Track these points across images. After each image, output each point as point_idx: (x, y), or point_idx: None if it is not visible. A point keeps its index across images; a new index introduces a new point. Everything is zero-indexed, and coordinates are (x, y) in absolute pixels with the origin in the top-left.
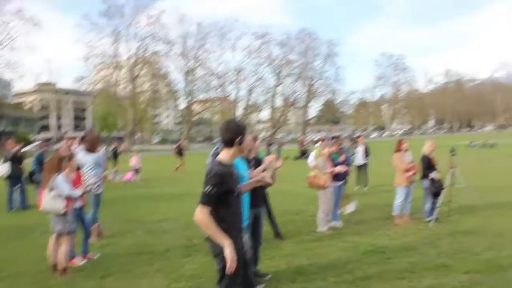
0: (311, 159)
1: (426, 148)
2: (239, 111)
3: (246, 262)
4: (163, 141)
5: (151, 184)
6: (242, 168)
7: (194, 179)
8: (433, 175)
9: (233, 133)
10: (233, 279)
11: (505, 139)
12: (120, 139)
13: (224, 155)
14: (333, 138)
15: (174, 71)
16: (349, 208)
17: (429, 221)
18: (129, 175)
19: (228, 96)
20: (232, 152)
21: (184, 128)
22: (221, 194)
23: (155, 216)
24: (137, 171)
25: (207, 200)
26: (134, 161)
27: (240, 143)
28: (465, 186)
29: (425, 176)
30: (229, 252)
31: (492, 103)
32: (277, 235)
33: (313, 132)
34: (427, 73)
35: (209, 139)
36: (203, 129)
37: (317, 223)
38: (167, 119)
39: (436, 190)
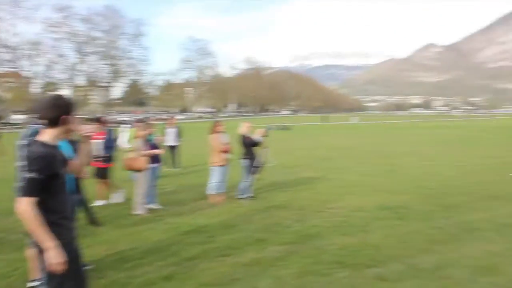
0: (124, 141)
1: (243, 129)
2: (36, 89)
3: (79, 254)
4: None
5: None
6: (66, 151)
7: None
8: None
9: (59, 111)
10: (63, 278)
11: (298, 122)
12: None
13: (47, 135)
14: (141, 120)
15: None
16: (116, 197)
17: (244, 198)
18: None
19: (22, 71)
20: (57, 132)
21: None
22: (47, 180)
23: None
24: None
25: (31, 188)
26: None
27: (66, 122)
28: (274, 164)
29: (245, 155)
30: (52, 256)
31: (286, 90)
32: (93, 221)
33: (117, 113)
34: (230, 59)
35: None
36: None
37: (134, 206)
38: None
39: (254, 168)
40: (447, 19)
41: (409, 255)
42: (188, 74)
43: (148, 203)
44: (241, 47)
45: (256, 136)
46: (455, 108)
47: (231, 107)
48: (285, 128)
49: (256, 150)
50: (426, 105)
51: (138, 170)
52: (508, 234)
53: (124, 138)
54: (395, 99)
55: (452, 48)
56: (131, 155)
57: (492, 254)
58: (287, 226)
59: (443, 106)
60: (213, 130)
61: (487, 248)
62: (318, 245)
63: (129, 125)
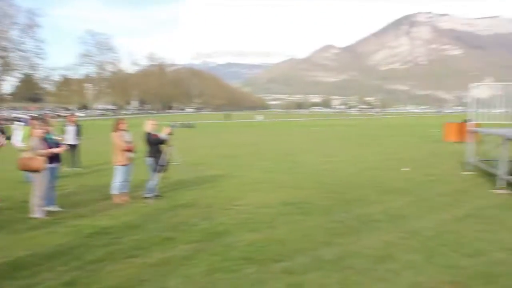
0: (18, 139)
1: (148, 127)
2: None
3: None
4: None
5: None
6: None
7: None
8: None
9: None
10: None
11: (202, 120)
12: None
13: None
14: (37, 117)
15: None
16: None
17: (149, 197)
18: None
19: None
20: None
21: None
22: None
23: None
24: None
25: None
26: None
27: None
28: (180, 163)
29: (150, 154)
30: None
31: (189, 88)
32: None
33: (8, 109)
34: (132, 55)
35: None
36: None
37: (31, 209)
38: None
39: (160, 167)
40: (344, 22)
41: (313, 248)
42: (88, 70)
43: (47, 205)
44: (144, 43)
45: (162, 134)
46: (352, 107)
47: (133, 104)
48: (189, 126)
49: (162, 148)
50: (325, 104)
51: (35, 171)
52: (401, 225)
53: (18, 136)
54: (296, 97)
55: (348, 50)
56: (26, 154)
57: (388, 243)
58: (194, 225)
59: (341, 105)
60: (116, 128)
61: (384, 238)
62: (226, 242)
63: (23, 123)
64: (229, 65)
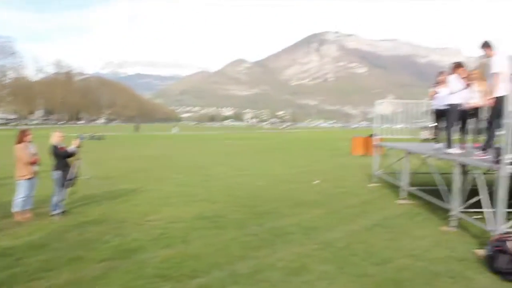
0: None
1: (54, 139)
2: None
3: None
4: None
5: None
6: None
7: None
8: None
9: None
10: None
11: (112, 132)
12: None
13: None
14: None
15: None
16: None
17: (55, 214)
18: None
19: None
20: None
21: None
22: None
23: None
24: None
25: None
26: None
27: None
28: (89, 177)
29: (56, 167)
30: None
31: (98, 98)
32: None
33: None
34: (38, 61)
35: None
36: None
37: None
38: None
39: (67, 181)
40: (255, 37)
41: (229, 262)
42: None
43: None
44: (50, 49)
45: (71, 146)
46: (263, 120)
47: (38, 114)
48: (98, 138)
49: (69, 161)
50: (237, 117)
51: None
52: (314, 236)
53: None
54: (208, 110)
55: (259, 64)
56: None
57: (302, 255)
58: (106, 242)
59: (253, 118)
60: (20, 139)
61: (298, 250)
62: (139, 259)
63: None
64: (140, 75)
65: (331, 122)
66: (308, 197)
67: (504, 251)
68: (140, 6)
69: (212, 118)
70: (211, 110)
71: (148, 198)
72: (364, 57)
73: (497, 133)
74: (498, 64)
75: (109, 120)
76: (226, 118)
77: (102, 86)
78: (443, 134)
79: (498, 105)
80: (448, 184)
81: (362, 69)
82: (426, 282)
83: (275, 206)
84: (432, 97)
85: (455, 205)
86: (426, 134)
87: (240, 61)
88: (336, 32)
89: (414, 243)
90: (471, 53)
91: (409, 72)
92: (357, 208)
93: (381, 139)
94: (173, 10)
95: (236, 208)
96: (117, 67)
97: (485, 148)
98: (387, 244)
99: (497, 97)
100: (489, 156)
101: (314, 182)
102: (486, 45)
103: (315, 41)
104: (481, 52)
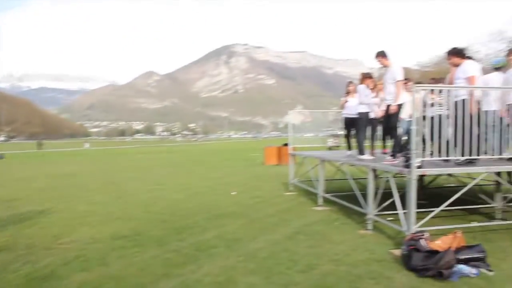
0: None
1: None
2: None
3: None
4: None
5: None
6: None
7: None
8: None
9: None
10: None
11: (12, 150)
12: None
13: None
14: None
15: None
16: None
17: None
18: None
19: None
20: None
21: None
22: None
23: None
24: None
25: None
26: None
27: None
28: None
29: None
30: None
31: None
32: None
33: None
34: None
35: None
36: None
37: None
38: None
39: None
40: (164, 49)
41: (152, 281)
42: None
43: None
44: None
45: None
46: (175, 133)
47: None
48: None
49: None
50: (148, 131)
51: None
52: (237, 248)
53: None
54: (118, 124)
55: (169, 77)
56: None
57: (227, 268)
58: (13, 271)
59: (164, 131)
60: None
61: (222, 263)
62: (54, 286)
63: None
64: (44, 89)
65: (243, 133)
66: (227, 209)
67: (418, 249)
68: (42, 16)
69: (122, 133)
70: (120, 124)
71: (59, 220)
72: (273, 68)
73: (403, 138)
74: (399, 72)
75: (9, 138)
76: (137, 132)
77: (0, 101)
78: (354, 142)
79: (398, 113)
80: (363, 189)
81: (271, 81)
82: (350, 285)
83: (195, 220)
84: (342, 106)
85: (370, 209)
86: (332, 142)
87: (150, 74)
88: (245, 44)
89: (335, 248)
90: (371, 64)
91: (316, 83)
92: (276, 217)
93: (294, 148)
94: (77, 21)
95: (155, 224)
96: (18, 80)
97: (393, 153)
98: (309, 251)
99: (399, 105)
100: (397, 161)
101: (232, 193)
102: (381, 55)
103: (224, 53)
104: (376, 62)
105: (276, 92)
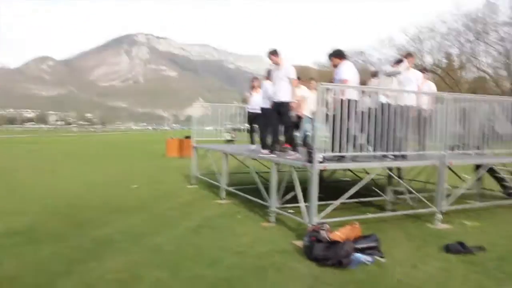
0: None
1: None
2: None
3: None
4: None
5: None
6: None
7: None
8: None
9: None
10: None
11: None
12: None
13: None
14: None
15: None
16: None
17: None
18: None
19: None
20: None
21: None
22: None
23: None
24: None
25: None
26: None
27: None
28: None
29: None
30: None
31: None
32: None
33: None
34: None
35: None
36: None
37: None
38: None
39: None
40: (62, 34)
41: (51, 281)
42: None
43: None
44: None
45: None
46: (70, 123)
47: None
48: None
49: None
50: (41, 119)
51: None
52: (141, 243)
53: None
54: (6, 112)
55: (66, 63)
56: None
57: (132, 263)
58: None
59: (58, 120)
60: None
61: (127, 258)
62: None
63: None
64: None
65: (143, 124)
66: (129, 202)
67: (319, 240)
68: None
69: (11, 121)
70: (9, 112)
71: None
72: (175, 60)
73: (306, 134)
74: (292, 71)
75: None
76: (28, 120)
77: None
78: (257, 136)
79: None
80: (266, 183)
81: (173, 72)
82: (256, 277)
83: (96, 214)
84: (246, 101)
85: (273, 202)
86: (229, 136)
87: (45, 59)
88: (148, 34)
89: (239, 240)
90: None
91: (219, 77)
92: (179, 210)
93: (198, 141)
94: None
95: (52, 218)
96: None
97: (294, 148)
98: (214, 244)
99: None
100: (298, 155)
101: (133, 186)
102: (273, 53)
103: (125, 42)
104: (268, 59)
105: (178, 84)
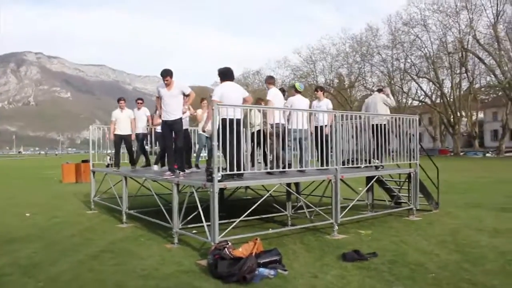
0: None
1: None
2: None
3: None
4: None
5: None
6: None
7: None
8: None
9: None
10: None
11: None
12: None
13: None
14: None
15: None
16: None
17: None
18: None
19: None
20: None
21: None
22: None
23: None
24: None
25: None
26: None
27: None
28: None
29: None
30: None
31: None
32: None
33: None
34: None
35: None
36: None
37: None
38: None
39: None
40: None
41: None
42: None
43: None
44: None
45: None
46: None
47: None
48: None
49: None
50: None
51: None
52: (36, 274)
53: None
54: None
55: None
56: None
57: None
58: None
59: None
60: None
61: None
62: None
63: None
64: None
65: (35, 149)
66: (21, 232)
67: (223, 258)
68: None
69: None
70: None
71: None
72: (69, 81)
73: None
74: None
75: None
76: None
77: None
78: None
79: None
80: (168, 204)
81: (67, 94)
82: None
83: None
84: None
85: (176, 223)
86: (108, 160)
87: None
88: (38, 53)
89: (142, 263)
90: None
91: (116, 98)
92: (78, 237)
93: (95, 165)
94: None
95: None
96: None
97: (181, 168)
98: (116, 269)
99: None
100: (182, 174)
101: (26, 215)
102: (169, 74)
103: (13, 61)
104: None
105: (73, 106)
